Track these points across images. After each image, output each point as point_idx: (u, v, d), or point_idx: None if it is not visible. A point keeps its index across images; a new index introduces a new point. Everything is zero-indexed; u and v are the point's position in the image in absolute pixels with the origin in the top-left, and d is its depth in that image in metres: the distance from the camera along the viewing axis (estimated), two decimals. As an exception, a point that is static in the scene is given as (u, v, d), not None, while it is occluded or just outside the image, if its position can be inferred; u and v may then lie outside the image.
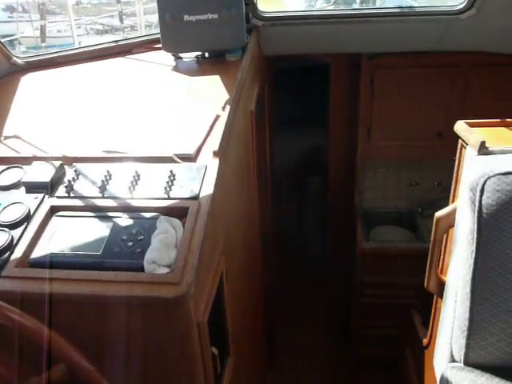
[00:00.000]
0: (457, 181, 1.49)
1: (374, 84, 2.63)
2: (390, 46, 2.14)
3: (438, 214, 1.46)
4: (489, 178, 1.16)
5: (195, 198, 1.00)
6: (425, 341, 1.85)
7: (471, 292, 1.23)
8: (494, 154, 1.23)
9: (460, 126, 1.42)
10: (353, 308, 3.03)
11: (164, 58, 1.74)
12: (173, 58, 1.75)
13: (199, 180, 1.05)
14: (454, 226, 1.44)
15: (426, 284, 1.59)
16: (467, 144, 1.34)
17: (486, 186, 1.16)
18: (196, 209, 0.96)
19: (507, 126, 1.43)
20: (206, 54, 1.74)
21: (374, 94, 2.65)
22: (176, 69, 1.66)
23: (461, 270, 1.30)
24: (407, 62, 2.55)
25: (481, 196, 1.17)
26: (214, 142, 1.11)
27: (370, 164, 3.05)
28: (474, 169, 1.23)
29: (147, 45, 1.82)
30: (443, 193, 3.15)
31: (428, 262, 1.55)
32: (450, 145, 2.80)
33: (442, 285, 1.54)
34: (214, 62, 1.69)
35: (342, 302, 3.50)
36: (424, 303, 2.94)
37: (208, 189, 1.02)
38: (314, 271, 4.27)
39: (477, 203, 1.18)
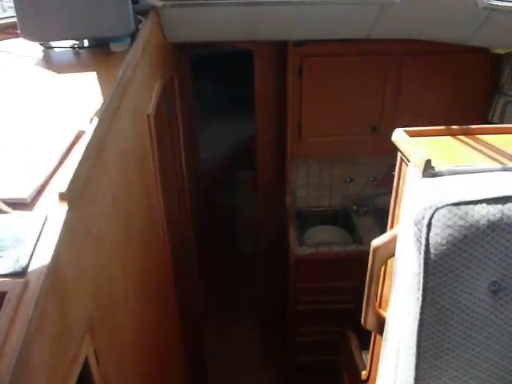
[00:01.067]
0: (396, 202, 1.24)
1: (303, 74, 2.34)
2: (317, 33, 1.85)
3: (376, 242, 1.21)
4: (437, 209, 0.91)
5: (20, 273, 0.66)
6: (364, 374, 1.63)
7: (417, 347, 0.99)
8: (442, 175, 0.98)
9: (399, 136, 1.16)
10: (288, 315, 2.80)
11: (28, 47, 1.32)
12: (41, 47, 1.33)
13: (31, 242, 0.70)
14: (393, 255, 1.20)
15: (363, 321, 1.35)
16: (409, 161, 1.08)
17: (433, 220, 0.91)
18: (19, 292, 0.62)
19: (453, 134, 1.20)
20: (86, 43, 1.35)
21: (303, 85, 2.38)
22: (41, 62, 1.24)
23: (403, 315, 1.05)
24: (338, 50, 2.29)
25: (428, 232, 0.92)
26: (67, 176, 0.77)
27: (301, 161, 2.80)
28: (417, 195, 0.97)
29: (7, 30, 1.38)
30: (378, 189, 2.97)
31: (365, 296, 1.31)
32: (385, 140, 2.63)
33: (381, 321, 1.30)
34: (95, 53, 1.30)
35: (278, 307, 3.27)
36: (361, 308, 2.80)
37: (46, 255, 0.68)
38: (247, 275, 4.03)
39: (423, 241, 0.92)
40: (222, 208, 4.23)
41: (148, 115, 1.38)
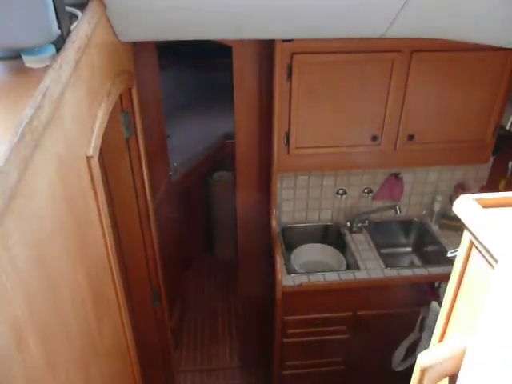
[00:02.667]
0: (455, 300, 0.86)
1: (293, 75, 1.92)
2: (319, 31, 1.42)
3: (426, 361, 0.82)
4: None
5: None
6: None
7: None
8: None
9: (466, 208, 0.76)
10: (273, 349, 2.44)
11: None
12: None
13: None
14: (449, 374, 0.83)
15: None
16: (489, 254, 0.69)
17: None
18: None
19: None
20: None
21: (293, 87, 1.95)
22: None
23: None
24: (335, 46, 1.88)
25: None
26: None
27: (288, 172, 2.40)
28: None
29: None
30: (374, 202, 2.61)
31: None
32: (388, 151, 2.27)
33: None
34: (5, 69, 0.86)
35: (260, 333, 2.91)
36: (355, 336, 2.47)
37: None
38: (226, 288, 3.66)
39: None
40: (198, 213, 3.80)
41: (88, 158, 0.94)
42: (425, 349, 2.53)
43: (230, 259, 3.63)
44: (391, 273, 2.26)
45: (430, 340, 2.22)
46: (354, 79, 1.97)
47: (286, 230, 2.62)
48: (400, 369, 2.58)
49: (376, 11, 1.25)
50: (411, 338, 2.46)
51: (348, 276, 2.25)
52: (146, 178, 1.69)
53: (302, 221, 2.66)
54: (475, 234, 0.73)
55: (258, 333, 2.83)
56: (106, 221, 1.09)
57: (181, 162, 3.18)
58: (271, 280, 2.27)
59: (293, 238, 2.63)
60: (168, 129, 3.68)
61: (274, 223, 2.26)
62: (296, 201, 2.59)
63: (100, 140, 1.01)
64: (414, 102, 2.05)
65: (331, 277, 2.24)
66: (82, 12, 1.02)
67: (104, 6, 1.12)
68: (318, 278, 2.23)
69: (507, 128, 2.14)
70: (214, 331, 3.33)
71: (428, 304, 2.27)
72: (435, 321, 2.18)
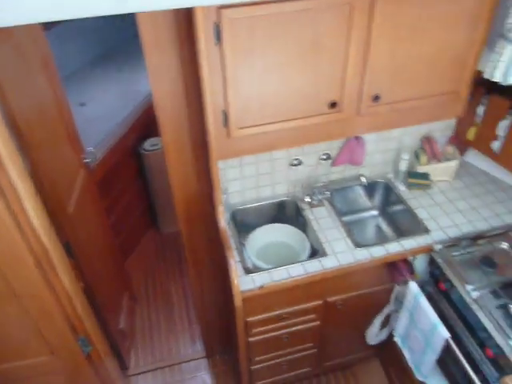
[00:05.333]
0: None
1: (223, 37, 1.43)
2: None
3: None
4: None
5: None
6: None
7: None
8: None
9: None
10: (238, 349, 2.16)
11: None
12: None
13: None
14: None
15: None
16: None
17: None
18: None
19: None
20: None
21: (225, 54, 1.47)
22: None
23: None
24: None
25: None
26: None
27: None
28: None
29: None
30: (332, 167, 2.27)
31: None
32: (349, 116, 1.86)
33: None
34: None
35: (223, 323, 2.64)
36: (327, 321, 2.24)
37: None
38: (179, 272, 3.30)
39: None
40: (134, 190, 3.31)
41: None
42: (399, 322, 2.18)
43: (178, 232, 3.25)
44: (362, 254, 1.97)
45: (407, 317, 2.00)
46: (304, 35, 1.51)
47: (236, 213, 2.24)
48: (375, 342, 2.42)
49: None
50: (385, 312, 2.27)
51: (315, 266, 1.93)
52: (31, 207, 1.21)
53: (254, 200, 2.28)
54: None
55: (220, 313, 2.54)
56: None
57: (101, 139, 2.64)
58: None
59: (246, 221, 2.27)
60: (82, 96, 3.08)
61: (222, 222, 1.86)
62: (244, 179, 2.19)
63: None
64: (379, 54, 1.64)
65: (296, 270, 1.92)
66: None
67: None
68: (282, 275, 1.91)
69: (486, 76, 1.79)
70: (171, 320, 3.03)
71: (404, 282, 2.04)
72: (412, 301, 1.94)
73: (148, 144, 3.21)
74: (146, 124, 3.08)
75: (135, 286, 3.19)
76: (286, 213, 2.31)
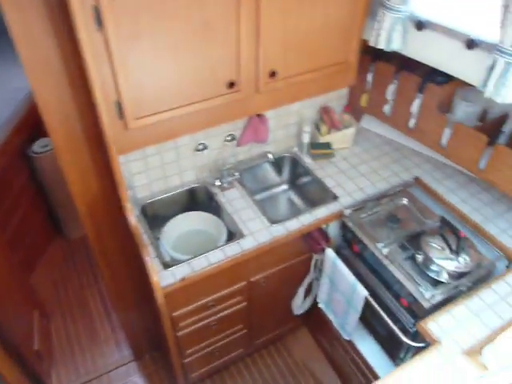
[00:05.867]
0: None
1: (104, 19, 1.31)
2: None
3: None
4: None
5: None
6: None
7: None
8: None
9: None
10: (167, 345, 2.10)
11: None
12: None
13: None
14: None
15: None
16: None
17: None
18: None
19: None
20: None
21: (110, 39, 1.35)
22: None
23: None
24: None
25: None
26: None
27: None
28: None
29: None
30: (238, 148, 2.25)
31: None
32: (248, 95, 1.84)
33: None
34: None
35: (147, 320, 2.54)
36: (254, 300, 2.25)
37: None
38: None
39: None
40: (28, 197, 3.01)
41: None
42: (321, 288, 2.26)
43: (85, 235, 3.04)
44: (278, 230, 2.00)
45: (328, 283, 2.08)
46: (192, 15, 1.44)
47: (146, 208, 2.13)
48: (301, 311, 2.49)
49: None
50: (307, 281, 2.34)
51: (234, 249, 1.92)
52: None
53: (163, 191, 2.18)
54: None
55: (143, 312, 2.44)
56: None
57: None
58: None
59: (158, 214, 2.17)
60: None
61: (131, 219, 1.75)
62: (150, 171, 2.09)
63: None
64: (270, 30, 1.62)
65: (216, 257, 1.89)
66: None
67: None
68: (202, 263, 1.86)
69: (371, 44, 1.88)
70: (91, 329, 2.85)
71: (321, 251, 2.11)
72: (330, 267, 2.02)
73: (38, 145, 2.93)
74: (33, 124, 2.80)
75: (46, 300, 2.94)
76: (198, 200, 2.26)
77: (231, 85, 1.67)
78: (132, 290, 2.34)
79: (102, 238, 2.01)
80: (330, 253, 2.04)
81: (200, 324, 2.11)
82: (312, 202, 2.29)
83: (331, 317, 2.25)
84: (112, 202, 1.87)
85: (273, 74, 1.74)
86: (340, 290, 2.05)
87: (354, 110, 2.46)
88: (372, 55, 2.12)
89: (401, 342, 1.80)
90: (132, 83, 1.47)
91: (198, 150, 2.15)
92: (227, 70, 1.63)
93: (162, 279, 1.79)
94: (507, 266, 1.83)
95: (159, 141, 1.70)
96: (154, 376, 2.61)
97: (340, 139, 2.40)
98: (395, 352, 1.97)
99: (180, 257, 1.89)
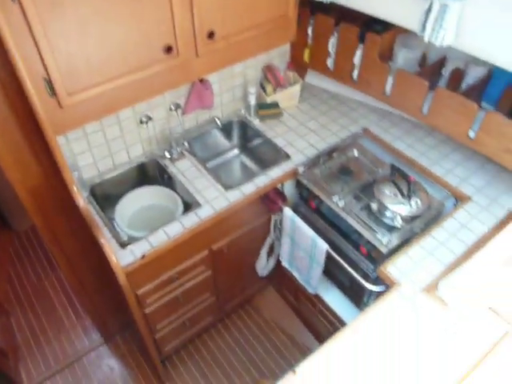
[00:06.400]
0: None
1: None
2: None
3: None
4: None
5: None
6: None
7: None
8: None
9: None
10: (136, 325, 2.08)
11: None
12: None
13: None
14: None
15: None
16: None
17: None
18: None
19: None
20: None
21: (26, 9, 1.24)
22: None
23: None
24: None
25: None
26: None
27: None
28: None
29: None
30: (184, 116, 2.19)
31: None
32: (188, 59, 1.76)
33: None
34: None
35: (112, 299, 2.50)
36: (218, 268, 2.25)
37: None
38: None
39: None
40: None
41: None
42: (282, 247, 2.33)
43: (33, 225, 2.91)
44: (234, 195, 1.98)
45: (289, 241, 2.11)
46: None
47: (95, 188, 2.05)
48: (265, 273, 2.53)
49: None
50: (268, 242, 2.37)
51: (192, 220, 1.89)
52: None
53: (111, 169, 2.10)
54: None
55: (106, 294, 2.39)
56: None
57: None
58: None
59: (110, 193, 2.10)
60: None
61: (80, 202, 1.67)
62: (94, 149, 1.99)
63: None
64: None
65: (174, 229, 1.85)
66: None
67: None
68: (161, 238, 1.82)
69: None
70: (55, 319, 2.77)
71: (279, 211, 2.12)
72: (290, 225, 2.05)
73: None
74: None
75: (2, 297, 2.82)
76: (150, 174, 2.19)
77: (168, 49, 1.60)
78: (92, 274, 2.27)
79: (51, 225, 1.92)
80: (287, 211, 2.05)
81: (167, 298, 2.10)
82: (265, 164, 2.28)
83: (295, 273, 2.29)
84: (57, 186, 1.78)
85: (211, 35, 1.68)
86: (301, 247, 2.08)
87: (297, 66, 2.43)
88: (311, 8, 2.08)
89: (363, 289, 1.87)
90: (59, 56, 1.37)
91: (143, 123, 2.06)
92: (162, 34, 1.55)
93: (122, 259, 1.74)
94: (455, 204, 1.92)
95: (99, 116, 1.61)
96: (128, 355, 2.60)
97: (286, 97, 2.38)
98: (359, 298, 2.04)
99: (137, 234, 1.85)
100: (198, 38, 1.65)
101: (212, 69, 1.83)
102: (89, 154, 1.98)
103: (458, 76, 1.92)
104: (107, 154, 2.05)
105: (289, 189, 2.19)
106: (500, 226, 1.77)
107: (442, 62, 1.98)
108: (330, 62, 2.18)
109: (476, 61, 1.90)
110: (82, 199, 1.68)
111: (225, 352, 2.57)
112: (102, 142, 1.99)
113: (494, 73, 1.87)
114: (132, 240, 1.82)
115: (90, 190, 2.01)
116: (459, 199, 1.92)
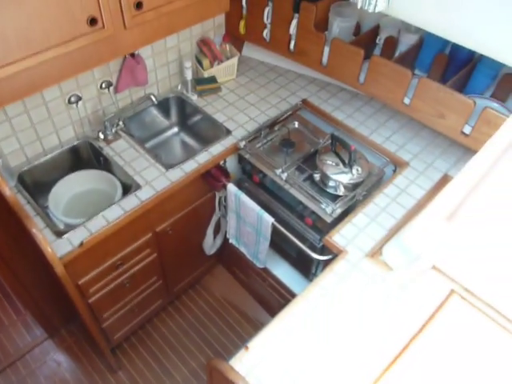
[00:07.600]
0: None
1: None
2: None
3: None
4: None
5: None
6: None
7: None
8: None
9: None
10: (80, 315, 1.99)
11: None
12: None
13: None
14: None
15: None
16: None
17: None
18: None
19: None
20: None
21: None
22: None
23: None
24: None
25: None
26: None
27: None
28: None
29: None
30: (117, 94, 2.08)
31: None
32: (115, 32, 1.65)
33: None
34: None
35: (52, 291, 2.38)
36: (163, 250, 2.20)
37: None
38: None
39: None
40: None
41: None
42: (229, 224, 2.33)
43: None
44: (175, 174, 1.92)
45: (234, 218, 2.10)
46: None
47: (24, 176, 1.91)
48: (213, 251, 2.51)
49: None
50: (214, 220, 2.33)
51: (132, 202, 1.81)
52: None
53: (40, 154, 1.96)
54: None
55: (45, 286, 2.27)
56: None
57: None
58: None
59: (41, 180, 1.96)
60: None
61: (6, 191, 1.53)
62: (19, 134, 1.84)
63: None
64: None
65: (113, 213, 1.77)
66: None
67: None
68: (100, 223, 1.73)
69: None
70: (-8, 318, 2.60)
71: (223, 187, 2.09)
72: (234, 201, 2.03)
73: None
74: None
75: None
76: (84, 158, 2.07)
77: (93, 21, 1.48)
78: (29, 268, 2.14)
79: (-24, 217, 1.77)
80: (231, 188, 2.02)
81: (111, 285, 2.02)
82: (206, 141, 2.22)
83: (243, 249, 2.28)
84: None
85: (139, 5, 1.57)
86: (247, 222, 2.07)
87: (233, 38, 2.36)
88: (242, -24, 2.01)
89: (311, 259, 1.89)
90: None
91: (72, 103, 1.93)
92: (85, 5, 1.43)
93: (58, 249, 1.64)
94: (394, 170, 1.97)
95: (19, 97, 1.47)
96: (75, 347, 2.50)
97: (224, 71, 2.32)
98: (307, 269, 2.07)
99: (74, 221, 1.74)
100: (124, 9, 1.54)
101: (143, 42, 1.72)
102: (14, 139, 1.83)
103: (391, 44, 1.95)
104: (35, 139, 1.91)
105: (231, 164, 2.15)
106: (436, 188, 1.85)
107: (375, 31, 2.00)
108: (266, 34, 2.14)
109: (408, 28, 1.93)
110: (7, 188, 1.54)
111: (177, 334, 2.53)
112: (28, 126, 1.84)
113: (425, 40, 1.91)
114: (69, 228, 1.71)
115: (18, 177, 1.87)
116: (398, 165, 1.97)
